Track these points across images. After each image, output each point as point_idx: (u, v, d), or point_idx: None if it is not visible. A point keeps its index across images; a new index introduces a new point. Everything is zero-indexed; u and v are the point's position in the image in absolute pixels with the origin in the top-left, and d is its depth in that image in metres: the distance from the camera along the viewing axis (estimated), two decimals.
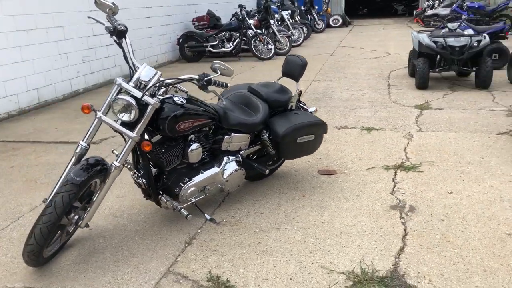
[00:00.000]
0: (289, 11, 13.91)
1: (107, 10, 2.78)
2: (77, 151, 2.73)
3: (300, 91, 3.85)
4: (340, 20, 19.50)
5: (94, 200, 2.73)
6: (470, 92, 6.68)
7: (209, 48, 10.79)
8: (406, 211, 3.21)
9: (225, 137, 3.22)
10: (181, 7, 11.84)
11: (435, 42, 6.80)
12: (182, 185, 3.01)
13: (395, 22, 20.50)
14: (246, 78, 8.22)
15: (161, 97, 2.75)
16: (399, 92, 6.90)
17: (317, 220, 3.14)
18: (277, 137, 3.39)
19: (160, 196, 2.98)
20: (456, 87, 7.05)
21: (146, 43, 10.16)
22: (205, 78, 2.78)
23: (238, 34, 10.84)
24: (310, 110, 3.80)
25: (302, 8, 16.71)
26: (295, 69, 3.69)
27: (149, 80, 2.69)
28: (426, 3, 18.54)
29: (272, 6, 11.96)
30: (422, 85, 6.93)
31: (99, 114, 2.72)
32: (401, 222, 3.06)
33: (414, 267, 2.56)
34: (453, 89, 6.89)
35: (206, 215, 3.16)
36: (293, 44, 12.10)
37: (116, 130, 2.74)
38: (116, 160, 2.71)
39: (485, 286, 2.37)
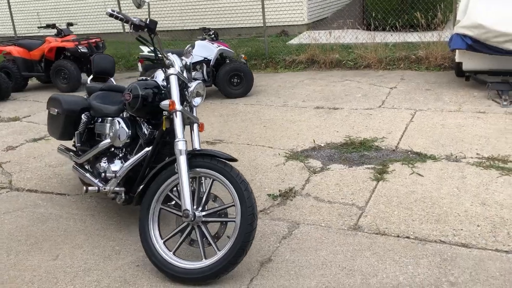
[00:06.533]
0: None
1: (141, 1, 2.82)
2: (185, 148, 2.63)
3: None
4: None
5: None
6: None
7: None
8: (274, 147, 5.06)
9: None
10: None
11: None
12: None
13: None
14: None
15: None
16: None
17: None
18: None
19: None
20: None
21: None
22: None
23: None
24: None
25: None
26: (110, 66, 4.01)
27: (184, 65, 2.97)
28: None
29: None
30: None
31: (179, 107, 2.73)
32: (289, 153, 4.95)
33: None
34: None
35: None
36: None
37: (186, 118, 2.84)
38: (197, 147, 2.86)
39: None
